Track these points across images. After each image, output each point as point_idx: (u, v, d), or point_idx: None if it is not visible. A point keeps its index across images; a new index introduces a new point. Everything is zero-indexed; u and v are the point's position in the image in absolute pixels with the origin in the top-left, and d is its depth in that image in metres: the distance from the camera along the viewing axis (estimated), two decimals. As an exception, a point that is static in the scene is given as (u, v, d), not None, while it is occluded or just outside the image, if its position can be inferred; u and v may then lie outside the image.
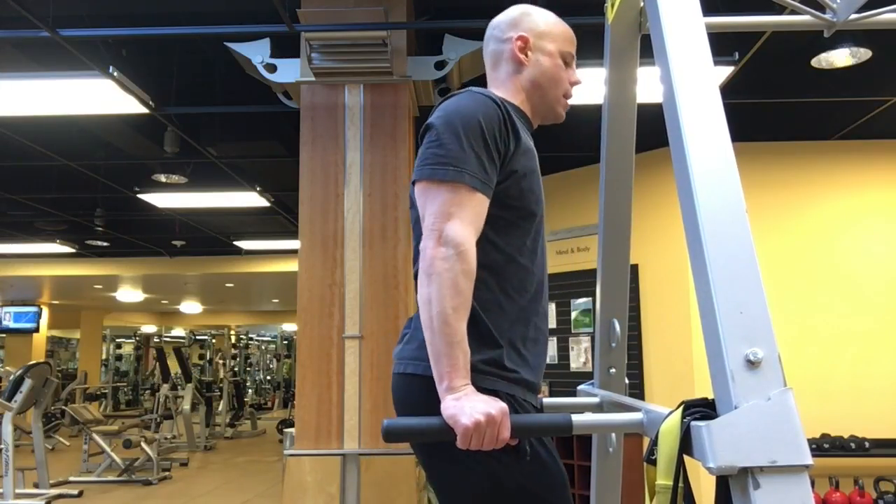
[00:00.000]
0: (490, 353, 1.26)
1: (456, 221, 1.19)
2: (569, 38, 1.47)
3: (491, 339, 1.27)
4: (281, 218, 7.41)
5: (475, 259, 1.19)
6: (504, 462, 1.21)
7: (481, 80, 4.06)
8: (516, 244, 1.33)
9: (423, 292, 1.17)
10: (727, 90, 3.98)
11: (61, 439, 9.94)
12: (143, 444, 7.33)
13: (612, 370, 1.73)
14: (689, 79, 1.04)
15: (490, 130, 1.26)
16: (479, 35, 3.41)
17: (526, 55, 1.43)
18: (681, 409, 0.93)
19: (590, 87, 3.60)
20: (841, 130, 4.91)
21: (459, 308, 1.14)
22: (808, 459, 0.82)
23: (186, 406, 9.80)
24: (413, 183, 1.29)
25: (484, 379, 1.23)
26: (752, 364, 0.85)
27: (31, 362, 6.53)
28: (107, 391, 15.18)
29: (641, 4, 1.51)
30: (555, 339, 5.56)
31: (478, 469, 1.23)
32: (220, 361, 13.80)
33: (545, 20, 1.45)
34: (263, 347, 20.24)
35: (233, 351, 15.76)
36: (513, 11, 1.47)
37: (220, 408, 11.83)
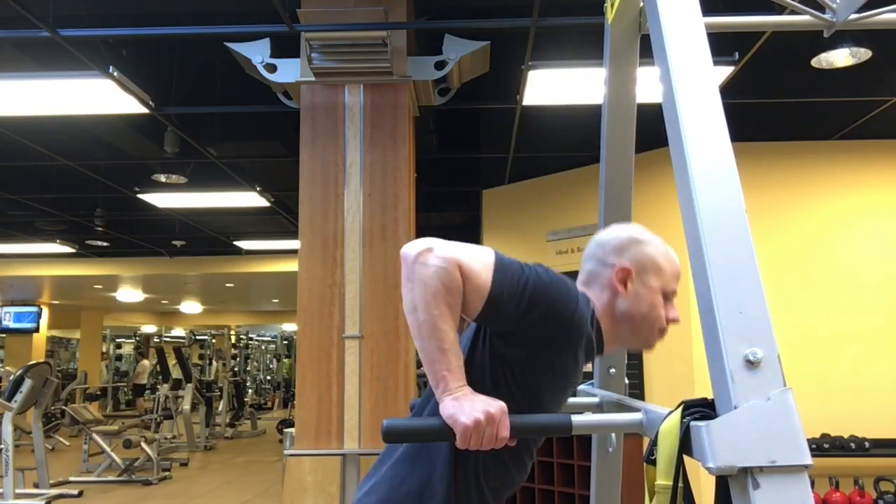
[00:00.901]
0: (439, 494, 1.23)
1: (454, 251, 1.13)
2: (675, 274, 1.35)
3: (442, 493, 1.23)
4: (281, 218, 7.40)
5: (460, 281, 1.12)
6: None
7: (481, 80, 4.06)
8: (517, 457, 1.30)
9: (406, 300, 1.13)
10: (727, 90, 3.98)
11: (61, 439, 9.94)
12: (143, 444, 7.33)
13: (612, 370, 1.74)
14: (689, 79, 1.04)
15: (550, 303, 1.18)
16: (479, 35, 3.42)
17: (625, 286, 1.31)
18: (680, 409, 0.93)
19: (590, 87, 3.60)
20: (841, 130, 4.90)
21: (445, 312, 1.11)
22: (808, 459, 0.82)
23: (186, 406, 9.79)
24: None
25: None
26: (751, 364, 0.85)
27: (31, 362, 6.53)
28: (107, 387, 15.20)
29: (641, 4, 1.51)
30: (555, 339, 5.55)
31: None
32: (221, 362, 13.80)
33: (654, 254, 1.33)
34: (263, 347, 20.23)
35: (233, 351, 15.76)
36: (622, 234, 1.35)
37: (220, 408, 11.83)
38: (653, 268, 1.32)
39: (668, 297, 1.33)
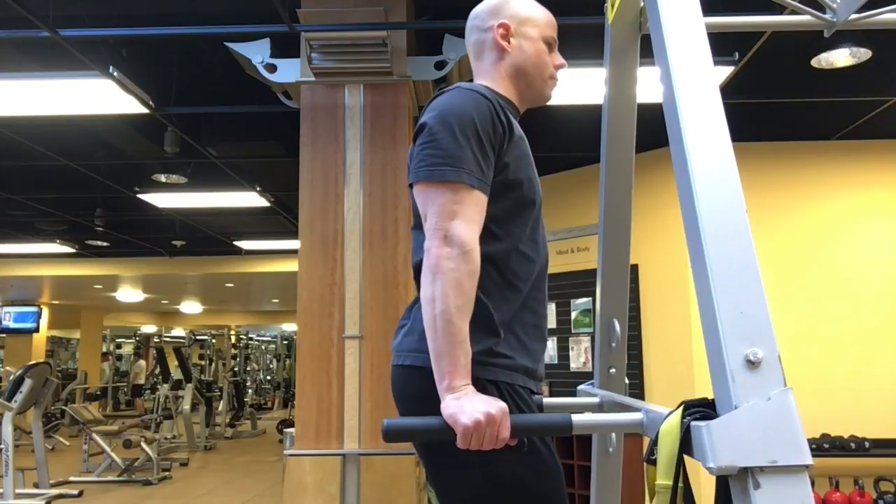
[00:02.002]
0: (489, 343, 1.27)
1: (460, 221, 1.19)
2: (550, 22, 1.48)
3: (491, 328, 1.28)
4: (281, 218, 7.41)
5: (479, 259, 1.20)
6: (503, 458, 1.21)
7: (481, 80, 4.03)
8: (517, 233, 1.34)
9: (427, 291, 1.17)
10: (727, 90, 3.98)
11: (61, 439, 9.94)
12: (143, 444, 7.33)
13: (612, 370, 1.74)
14: (689, 79, 1.04)
15: (484, 126, 1.27)
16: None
17: (508, 42, 1.44)
18: (681, 409, 0.93)
19: (590, 87, 3.60)
20: (841, 130, 4.91)
21: (463, 308, 1.15)
22: (808, 459, 0.82)
23: (186, 406, 9.79)
24: (411, 185, 1.29)
25: (482, 369, 1.24)
26: (752, 364, 0.85)
27: (31, 362, 6.53)
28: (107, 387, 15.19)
29: (641, 4, 1.51)
30: (555, 339, 5.55)
31: (477, 466, 1.23)
32: (221, 362, 13.80)
33: (525, 6, 1.46)
34: (263, 347, 20.23)
35: (233, 351, 15.76)
36: (492, 0, 1.47)
37: (220, 408, 11.83)
38: (527, 19, 1.45)
39: (549, 45, 1.46)
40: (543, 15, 1.48)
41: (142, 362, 15.27)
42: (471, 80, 1.49)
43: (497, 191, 1.30)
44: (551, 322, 5.55)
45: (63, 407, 10.48)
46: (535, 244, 1.39)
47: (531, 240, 1.38)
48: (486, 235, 1.27)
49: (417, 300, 1.38)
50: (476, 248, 1.20)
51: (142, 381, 14.94)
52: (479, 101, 1.29)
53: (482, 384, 1.21)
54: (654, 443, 0.97)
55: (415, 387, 1.28)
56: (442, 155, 1.23)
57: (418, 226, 1.33)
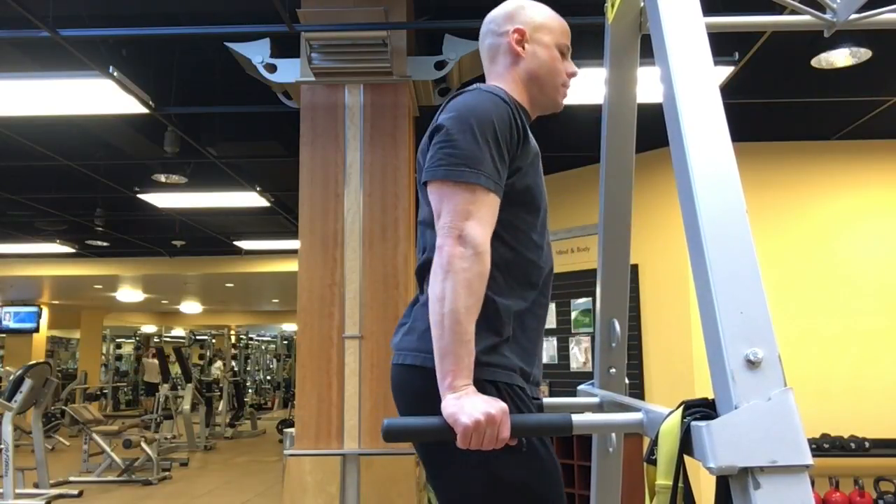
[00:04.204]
0: (490, 344, 1.27)
1: (474, 222, 1.20)
2: (564, 30, 1.49)
3: (494, 331, 1.28)
4: (281, 218, 7.41)
5: (490, 262, 1.21)
6: (502, 458, 1.21)
7: (481, 80, 4.05)
8: (523, 239, 1.35)
9: (436, 288, 1.17)
10: (727, 90, 3.98)
11: (61, 439, 9.94)
12: (143, 444, 7.33)
13: (612, 370, 1.74)
14: (689, 79, 1.04)
15: (502, 130, 1.27)
16: (478, 35, 3.42)
17: (523, 47, 1.44)
18: (681, 409, 0.93)
19: (590, 87, 3.60)
20: (841, 130, 4.91)
21: (472, 308, 1.16)
22: (809, 459, 0.82)
23: (186, 406, 9.79)
24: (425, 183, 1.29)
25: (482, 370, 1.24)
26: (752, 364, 0.85)
27: (31, 362, 6.53)
28: (107, 390, 15.18)
29: (641, 4, 1.51)
30: (555, 339, 5.55)
31: (477, 466, 1.23)
32: (221, 362, 13.80)
33: (541, 13, 1.47)
34: (263, 347, 20.23)
35: (233, 351, 15.76)
36: (508, 5, 1.49)
37: (220, 408, 11.83)
38: (542, 26, 1.46)
39: (563, 52, 1.48)
40: (558, 22, 1.49)
41: (154, 360, 15.26)
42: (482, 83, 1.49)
43: (507, 195, 1.30)
44: (551, 322, 5.55)
45: (63, 407, 10.48)
46: (540, 250, 1.39)
47: (537, 246, 1.38)
48: (495, 240, 1.27)
49: (417, 300, 1.38)
50: (488, 250, 1.20)
51: (156, 380, 14.93)
52: (498, 104, 1.30)
53: (481, 384, 1.21)
54: (654, 443, 0.97)
55: (415, 385, 1.28)
56: (460, 155, 1.23)
57: (428, 224, 1.33)
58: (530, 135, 1.38)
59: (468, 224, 1.19)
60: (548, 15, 1.48)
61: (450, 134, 1.26)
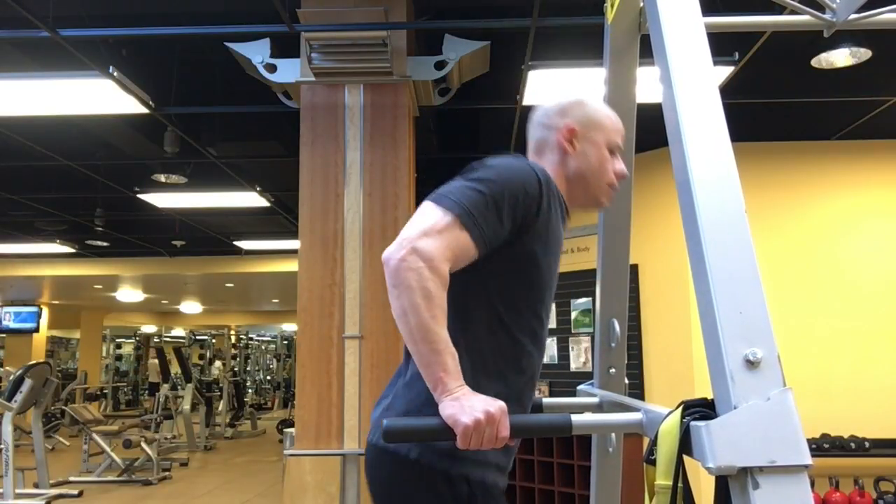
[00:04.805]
0: None
1: (432, 240, 1.14)
2: (617, 129, 1.43)
3: None
4: (281, 218, 7.40)
5: (447, 277, 1.14)
6: None
7: (481, 80, 4.06)
8: (523, 323, 1.30)
9: (395, 306, 1.13)
10: (727, 90, 3.98)
11: (61, 439, 9.94)
12: (143, 444, 7.33)
13: (612, 370, 1.74)
14: (689, 79, 1.04)
15: (521, 196, 1.23)
16: (479, 35, 3.42)
17: (573, 146, 1.38)
18: (680, 409, 0.93)
19: (590, 87, 3.60)
20: (841, 130, 4.90)
21: (437, 314, 1.11)
22: (808, 459, 0.82)
23: (186, 406, 9.80)
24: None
25: (454, 463, 1.21)
26: (751, 364, 0.85)
27: (31, 362, 6.53)
28: (107, 390, 15.18)
29: (641, 4, 1.51)
30: (555, 339, 5.55)
31: None
32: (221, 362, 13.80)
33: (594, 110, 1.41)
34: (263, 347, 20.23)
35: (233, 351, 15.76)
36: (563, 99, 1.43)
37: (220, 408, 11.83)
38: (596, 124, 1.40)
39: (612, 151, 1.41)
40: (611, 121, 1.42)
41: (156, 361, 15.27)
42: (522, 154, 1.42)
43: (507, 258, 1.25)
44: (551, 322, 5.52)
45: (63, 407, 10.48)
46: (537, 339, 1.33)
47: (535, 333, 1.32)
48: (493, 319, 1.25)
49: (401, 372, 1.33)
50: (444, 267, 1.14)
51: (158, 380, 14.93)
52: (529, 176, 1.25)
53: (449, 479, 1.19)
54: (654, 443, 0.97)
55: (385, 471, 1.25)
56: (465, 197, 1.19)
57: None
58: (559, 221, 1.32)
59: (424, 240, 1.13)
60: (601, 112, 1.42)
61: (470, 178, 1.22)
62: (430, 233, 1.14)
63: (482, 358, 1.25)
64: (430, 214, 1.17)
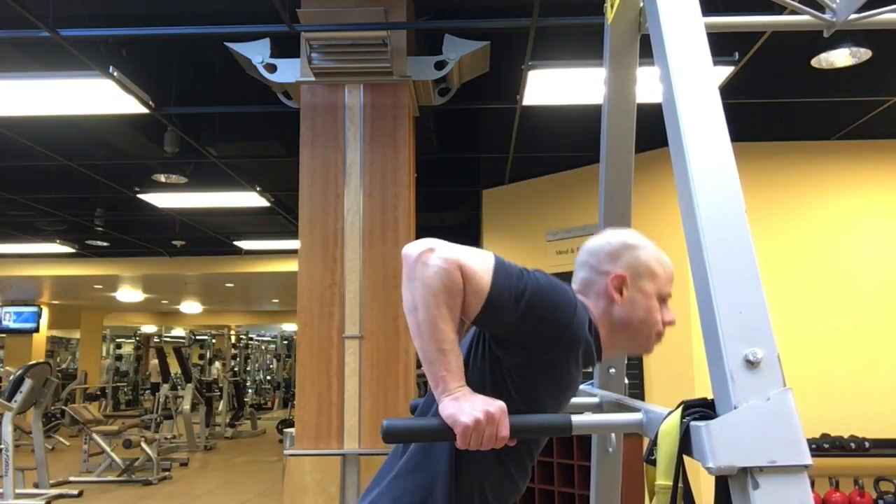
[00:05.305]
0: None
1: (458, 253, 1.13)
2: (669, 277, 1.35)
3: None
4: (281, 218, 7.40)
5: (462, 286, 1.12)
6: None
7: (481, 80, 4.05)
8: (519, 461, 1.29)
9: (407, 300, 1.13)
10: (727, 90, 3.98)
11: (61, 439, 9.94)
12: (143, 444, 7.33)
13: (612, 370, 1.74)
14: (689, 79, 1.04)
15: (544, 309, 1.17)
16: (479, 35, 3.42)
17: (621, 293, 1.31)
18: (680, 409, 0.93)
19: (590, 87, 3.60)
20: (841, 130, 4.90)
21: (446, 314, 1.11)
22: (808, 459, 0.82)
23: (186, 406, 9.80)
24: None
25: None
26: (751, 364, 0.85)
27: (31, 362, 6.53)
28: (107, 389, 15.17)
29: (641, 4, 1.51)
30: (555, 339, 5.55)
31: None
32: (221, 362, 13.79)
33: (647, 257, 1.33)
34: (263, 347, 20.22)
35: (233, 351, 15.75)
36: (613, 240, 1.35)
37: (220, 408, 11.83)
38: (647, 273, 1.32)
39: (663, 300, 1.33)
40: (664, 269, 1.34)
41: (156, 361, 15.27)
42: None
43: (509, 374, 1.21)
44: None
45: (63, 407, 10.48)
46: (525, 475, 1.31)
47: (524, 469, 1.30)
48: (492, 459, 1.22)
49: (398, 473, 1.30)
50: (456, 272, 1.11)
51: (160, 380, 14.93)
52: (580, 332, 1.20)
53: None
54: (654, 443, 0.97)
55: None
56: (510, 266, 1.17)
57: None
58: (578, 366, 1.24)
59: (450, 250, 1.13)
60: (655, 260, 1.33)
61: (532, 285, 1.17)
62: (456, 249, 1.14)
63: (475, 489, 1.23)
64: (470, 249, 1.16)
